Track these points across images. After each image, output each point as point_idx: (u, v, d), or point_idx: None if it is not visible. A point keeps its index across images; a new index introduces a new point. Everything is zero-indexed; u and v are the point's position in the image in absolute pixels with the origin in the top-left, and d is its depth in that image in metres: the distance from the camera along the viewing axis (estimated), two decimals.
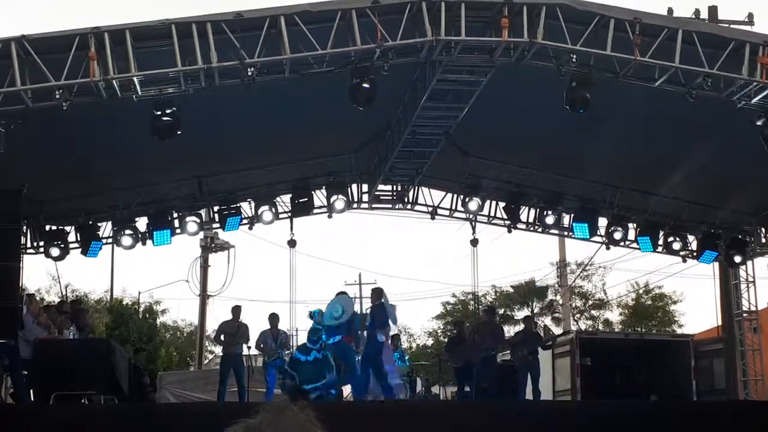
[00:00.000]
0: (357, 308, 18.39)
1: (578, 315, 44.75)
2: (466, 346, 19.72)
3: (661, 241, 22.21)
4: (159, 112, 13.97)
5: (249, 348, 18.64)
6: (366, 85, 14.08)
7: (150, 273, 65.98)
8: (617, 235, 21.92)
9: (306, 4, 13.34)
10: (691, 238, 22.45)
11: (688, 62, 13.98)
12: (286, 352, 18.64)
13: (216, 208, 20.90)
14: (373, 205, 22.46)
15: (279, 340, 18.63)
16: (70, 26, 13.29)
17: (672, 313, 44.68)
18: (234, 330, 18.49)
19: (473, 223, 22.51)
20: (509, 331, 39.33)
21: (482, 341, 18.96)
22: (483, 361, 18.69)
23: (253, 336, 18.67)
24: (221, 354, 19.44)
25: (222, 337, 18.75)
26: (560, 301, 43.31)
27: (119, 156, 17.73)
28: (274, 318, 18.84)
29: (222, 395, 18.07)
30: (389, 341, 18.33)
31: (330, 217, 21.57)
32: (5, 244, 14.38)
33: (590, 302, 44.96)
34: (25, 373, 15.39)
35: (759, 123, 14.83)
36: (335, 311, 17.35)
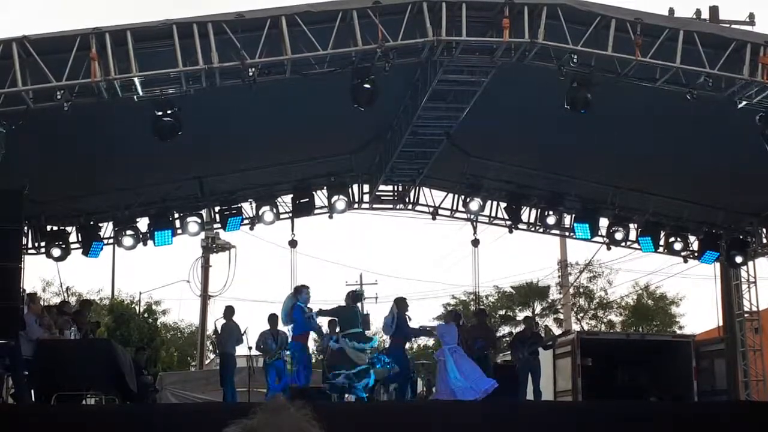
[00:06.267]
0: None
1: (582, 315, 44.64)
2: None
3: (662, 242, 22.20)
4: (160, 113, 13.97)
5: (250, 348, 18.66)
6: (367, 86, 14.08)
7: (151, 273, 65.96)
8: (618, 236, 21.91)
9: (307, 5, 13.33)
10: (692, 238, 22.44)
11: (689, 62, 13.97)
12: (287, 352, 18.62)
13: (217, 209, 20.90)
14: (374, 206, 22.46)
15: (279, 341, 18.62)
16: (71, 26, 13.29)
17: (672, 314, 44.59)
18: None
19: (474, 223, 22.50)
20: (510, 331, 39.36)
21: (474, 344, 18.92)
22: (477, 361, 18.68)
23: (254, 336, 18.73)
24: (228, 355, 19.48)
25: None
26: (561, 301, 43.24)
27: (120, 156, 17.75)
28: (274, 319, 18.83)
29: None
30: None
31: (331, 217, 21.58)
32: (6, 244, 14.36)
33: (594, 302, 44.83)
34: (27, 373, 15.40)
35: (760, 123, 14.83)
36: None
